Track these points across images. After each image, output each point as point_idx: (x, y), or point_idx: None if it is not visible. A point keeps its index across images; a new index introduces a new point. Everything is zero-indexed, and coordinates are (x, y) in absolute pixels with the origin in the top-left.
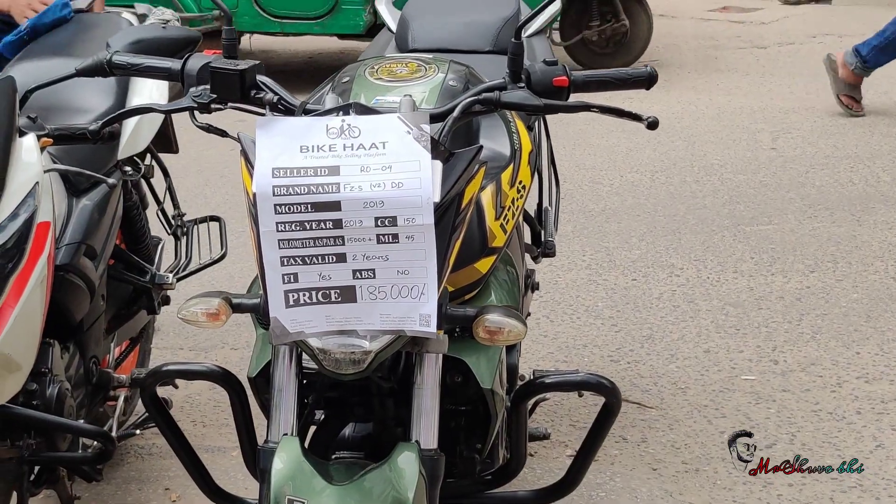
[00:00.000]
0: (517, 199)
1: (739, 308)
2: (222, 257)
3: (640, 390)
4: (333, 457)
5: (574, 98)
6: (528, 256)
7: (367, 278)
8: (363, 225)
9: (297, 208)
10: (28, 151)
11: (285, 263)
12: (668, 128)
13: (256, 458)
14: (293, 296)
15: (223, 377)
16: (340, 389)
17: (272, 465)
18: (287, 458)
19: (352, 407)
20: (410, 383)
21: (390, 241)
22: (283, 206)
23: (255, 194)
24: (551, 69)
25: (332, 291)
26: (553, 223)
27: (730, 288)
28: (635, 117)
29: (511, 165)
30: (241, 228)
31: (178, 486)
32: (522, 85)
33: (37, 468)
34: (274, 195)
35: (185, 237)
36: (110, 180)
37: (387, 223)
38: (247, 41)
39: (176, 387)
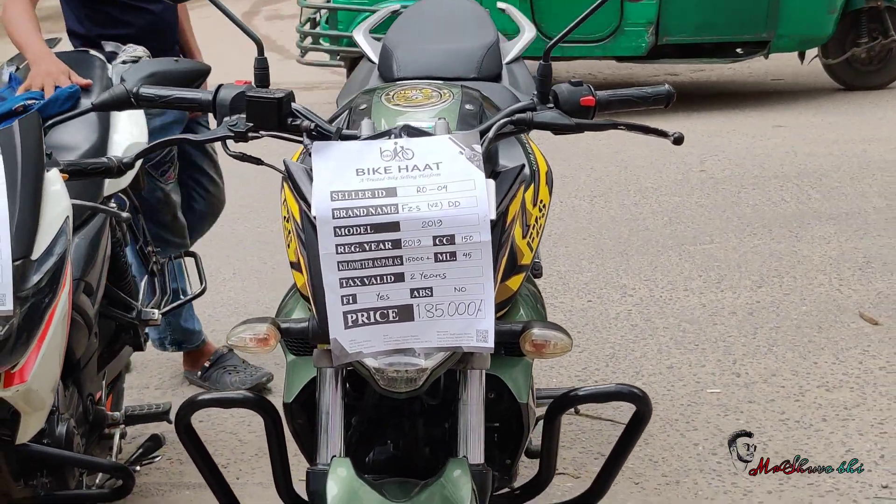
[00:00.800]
0: (540, 218)
1: (695, 324)
2: (203, 291)
3: (612, 408)
4: None
5: (598, 117)
6: None
7: (425, 296)
8: (421, 244)
9: (356, 230)
10: (54, 185)
11: (344, 285)
12: (598, 153)
13: (307, 481)
14: (352, 317)
15: (258, 404)
16: (370, 412)
17: (326, 487)
18: (342, 479)
19: (381, 429)
20: (448, 401)
21: (448, 259)
22: (342, 229)
23: (314, 217)
24: (578, 90)
25: (390, 311)
26: None
27: (683, 305)
28: (662, 133)
29: (532, 185)
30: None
31: None
32: (552, 105)
33: None
34: (334, 218)
35: (161, 273)
36: (124, 214)
37: (445, 241)
38: None
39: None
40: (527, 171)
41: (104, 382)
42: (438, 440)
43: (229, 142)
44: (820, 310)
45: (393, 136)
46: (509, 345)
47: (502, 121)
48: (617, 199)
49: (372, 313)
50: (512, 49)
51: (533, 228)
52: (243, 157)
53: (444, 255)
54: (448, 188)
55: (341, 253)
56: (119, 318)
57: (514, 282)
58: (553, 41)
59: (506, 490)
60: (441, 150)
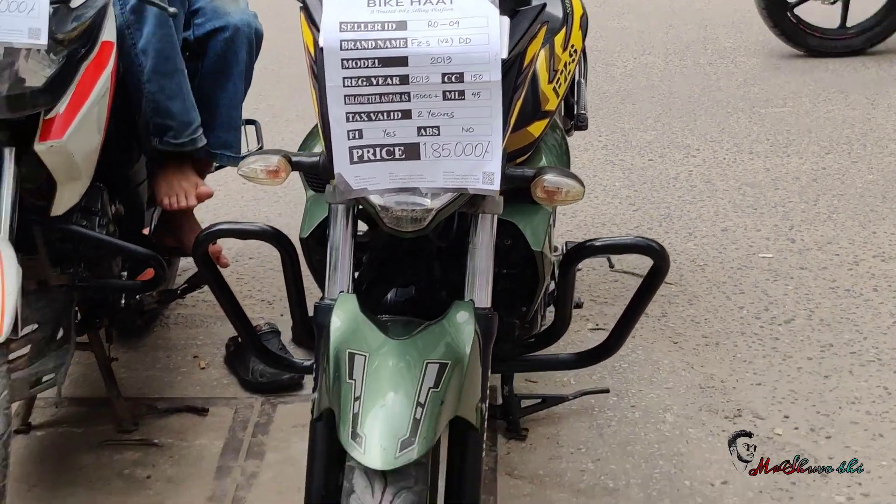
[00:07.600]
0: (569, 63)
1: (756, 188)
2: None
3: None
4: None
5: None
6: None
7: (432, 135)
8: (429, 81)
9: (363, 63)
10: None
11: (350, 119)
12: (680, 10)
13: (314, 314)
14: (357, 152)
15: (275, 236)
16: (387, 252)
17: (331, 321)
18: (346, 314)
19: (399, 270)
20: (463, 244)
21: (456, 97)
22: (349, 61)
23: (321, 49)
24: None
25: (397, 148)
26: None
27: (746, 168)
28: None
29: (563, 29)
30: None
31: (207, 354)
32: None
33: (79, 316)
34: (341, 49)
35: None
36: (171, 9)
37: (453, 79)
38: None
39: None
40: (556, 12)
41: (154, 216)
42: (456, 283)
43: None
44: (886, 179)
45: None
46: (527, 191)
47: None
48: (692, 57)
49: (378, 150)
50: None
51: (561, 74)
52: None
53: (452, 93)
54: (460, 24)
55: (348, 86)
56: None
57: (537, 127)
58: None
59: (530, 337)
60: None
